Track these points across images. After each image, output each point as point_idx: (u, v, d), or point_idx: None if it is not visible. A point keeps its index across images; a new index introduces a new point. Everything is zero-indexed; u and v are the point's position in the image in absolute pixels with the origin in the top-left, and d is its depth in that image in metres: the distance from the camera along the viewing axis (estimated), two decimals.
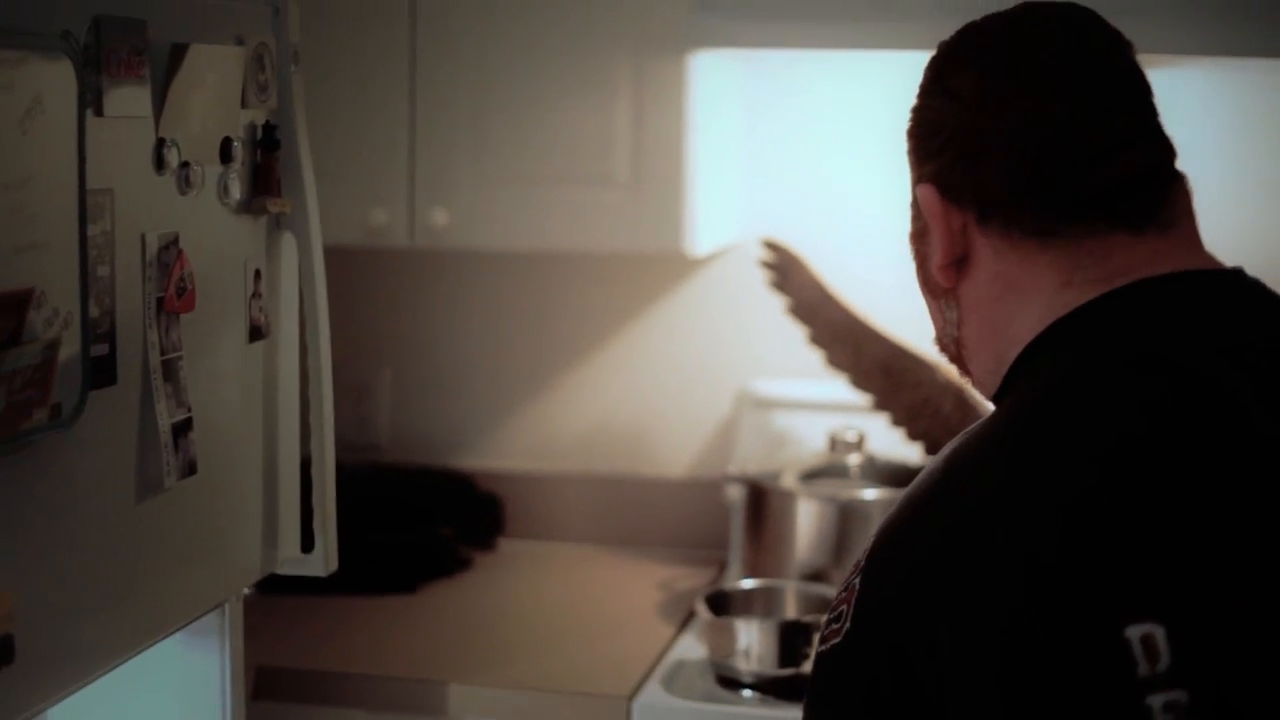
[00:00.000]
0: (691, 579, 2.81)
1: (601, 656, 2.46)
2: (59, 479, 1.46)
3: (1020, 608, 1.07)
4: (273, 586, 1.94)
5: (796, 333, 2.66)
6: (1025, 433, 1.18)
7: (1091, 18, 1.31)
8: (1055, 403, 1.19)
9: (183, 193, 1.65)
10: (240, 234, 1.78)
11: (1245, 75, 2.67)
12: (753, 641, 2.29)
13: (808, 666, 2.24)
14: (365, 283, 3.04)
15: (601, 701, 2.30)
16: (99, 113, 1.48)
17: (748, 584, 2.53)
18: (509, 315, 3.04)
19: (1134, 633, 1.03)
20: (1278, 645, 1.05)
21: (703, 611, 2.37)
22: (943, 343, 1.39)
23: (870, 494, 2.58)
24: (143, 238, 1.57)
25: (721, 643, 2.33)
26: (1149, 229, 1.26)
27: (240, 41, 1.74)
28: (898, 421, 2.58)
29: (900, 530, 1.22)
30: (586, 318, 3.01)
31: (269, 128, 1.80)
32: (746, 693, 2.30)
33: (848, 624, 1.22)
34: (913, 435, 2.57)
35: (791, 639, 2.28)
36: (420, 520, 2.88)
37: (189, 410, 1.65)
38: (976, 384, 1.38)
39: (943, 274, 1.32)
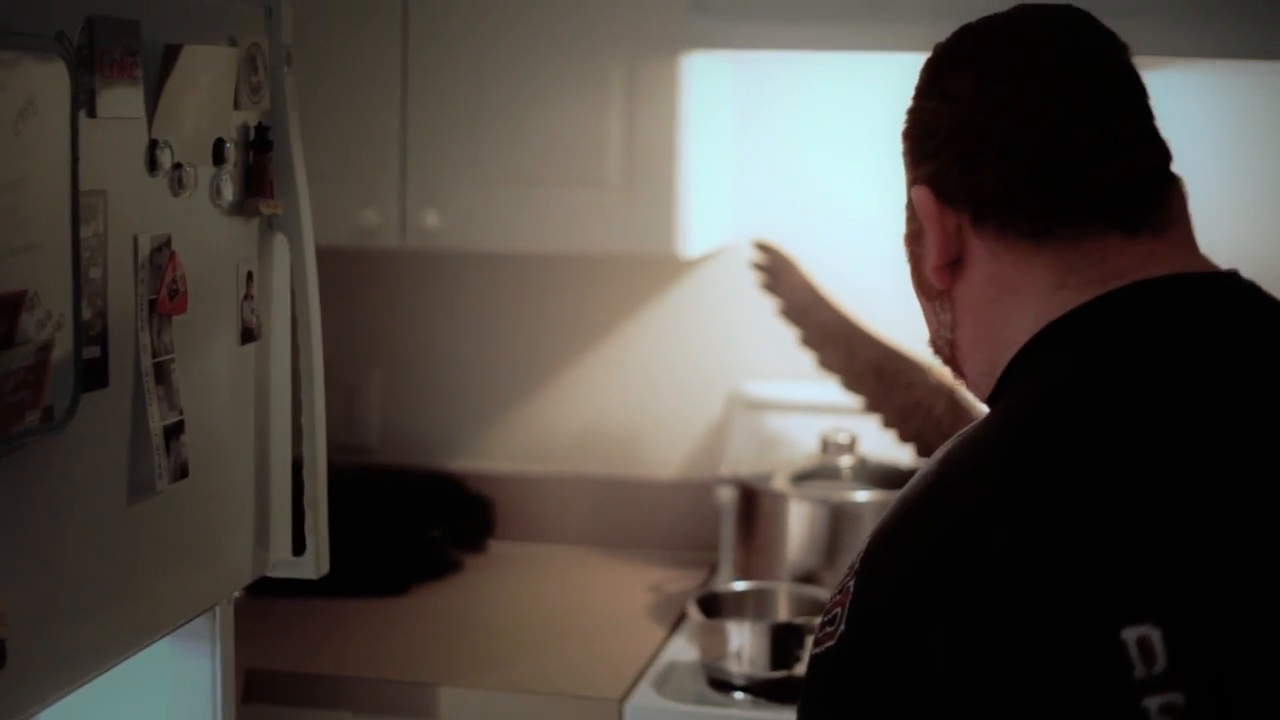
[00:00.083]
0: (682, 581, 2.81)
1: (593, 658, 2.46)
2: (51, 482, 1.46)
3: (1016, 609, 1.07)
4: (261, 588, 1.93)
5: (788, 334, 2.66)
6: (1020, 435, 1.18)
7: (1087, 20, 1.31)
8: (1051, 405, 1.19)
9: (175, 194, 1.64)
10: (232, 235, 1.77)
11: (1240, 78, 2.67)
12: (744, 644, 2.29)
13: (800, 669, 2.25)
14: (356, 284, 3.03)
15: (593, 704, 2.30)
16: (92, 114, 1.48)
17: (739, 586, 2.53)
18: (500, 317, 3.04)
19: (1130, 635, 1.03)
20: (1274, 647, 1.06)
21: (694, 613, 2.37)
22: (937, 345, 1.39)
23: (862, 496, 2.58)
24: (135, 239, 1.57)
25: (713, 645, 2.33)
26: (1144, 231, 1.26)
27: (233, 42, 1.73)
28: (889, 423, 2.58)
29: (894, 533, 1.22)
30: (578, 319, 3.01)
31: (261, 129, 1.79)
32: (738, 695, 2.30)
33: (842, 626, 1.22)
34: (904, 437, 2.57)
35: (783, 641, 2.28)
36: (410, 522, 2.87)
37: (181, 413, 1.64)
38: (970, 386, 1.38)
39: (937, 276, 1.32)
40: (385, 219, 2.65)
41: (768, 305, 2.68)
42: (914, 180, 1.33)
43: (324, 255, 1.91)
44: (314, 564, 1.90)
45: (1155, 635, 1.03)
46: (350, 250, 2.76)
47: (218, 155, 1.71)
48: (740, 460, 2.80)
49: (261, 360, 1.85)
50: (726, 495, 2.75)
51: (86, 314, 1.48)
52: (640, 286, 2.97)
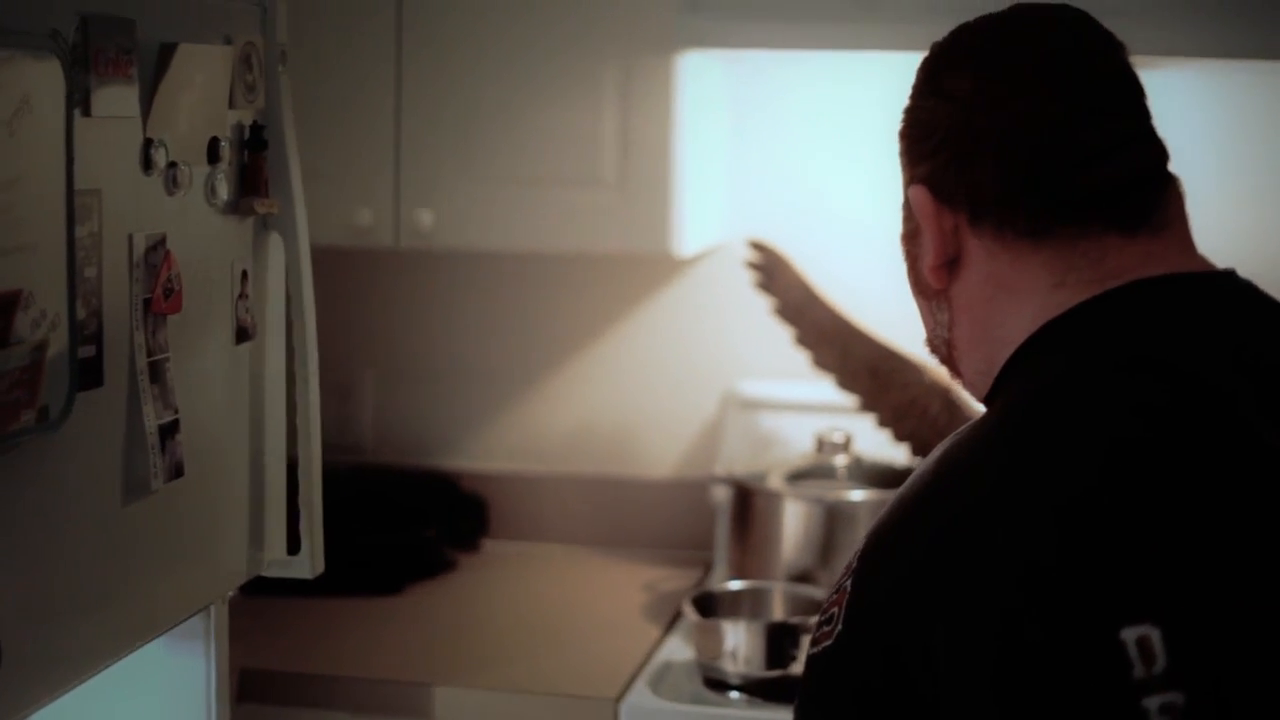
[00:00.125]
0: (677, 580, 2.80)
1: (588, 658, 2.46)
2: (46, 481, 1.45)
3: (1015, 609, 1.07)
4: (255, 588, 1.93)
5: (783, 333, 2.66)
6: (1019, 434, 1.18)
7: (1085, 19, 1.31)
8: (1049, 404, 1.19)
9: (170, 193, 1.64)
10: (227, 234, 1.77)
11: (1238, 77, 2.67)
12: (740, 643, 2.29)
13: (795, 668, 2.25)
14: (350, 283, 3.03)
15: (588, 703, 2.30)
16: (87, 113, 1.47)
17: (735, 585, 2.53)
18: (494, 316, 3.04)
19: (1129, 635, 1.03)
20: (1274, 647, 1.06)
21: (690, 613, 2.36)
22: (933, 344, 1.39)
23: (857, 495, 2.58)
24: (130, 238, 1.56)
25: (709, 644, 2.33)
26: (1142, 231, 1.26)
27: (228, 41, 1.73)
28: (884, 422, 2.58)
29: (892, 532, 1.22)
30: (572, 318, 3.01)
31: (256, 128, 1.78)
32: (734, 694, 2.30)
33: (839, 626, 1.22)
34: (899, 436, 2.57)
35: (779, 640, 2.28)
36: (405, 521, 2.87)
37: (176, 412, 1.64)
38: (967, 385, 1.38)
39: (934, 275, 1.32)
40: (379, 218, 2.65)
41: (762, 304, 2.67)
42: (911, 180, 1.33)
43: (318, 254, 1.90)
44: (309, 563, 1.90)
45: (1155, 635, 1.03)
46: (344, 250, 2.76)
47: (212, 154, 1.71)
48: (735, 459, 2.80)
49: (256, 360, 1.85)
50: (721, 494, 2.75)
51: (81, 313, 1.47)
52: (635, 286, 2.97)
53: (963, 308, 1.32)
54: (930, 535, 1.16)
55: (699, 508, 2.88)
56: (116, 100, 1.52)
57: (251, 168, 1.78)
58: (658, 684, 2.34)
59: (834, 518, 2.56)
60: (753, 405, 2.88)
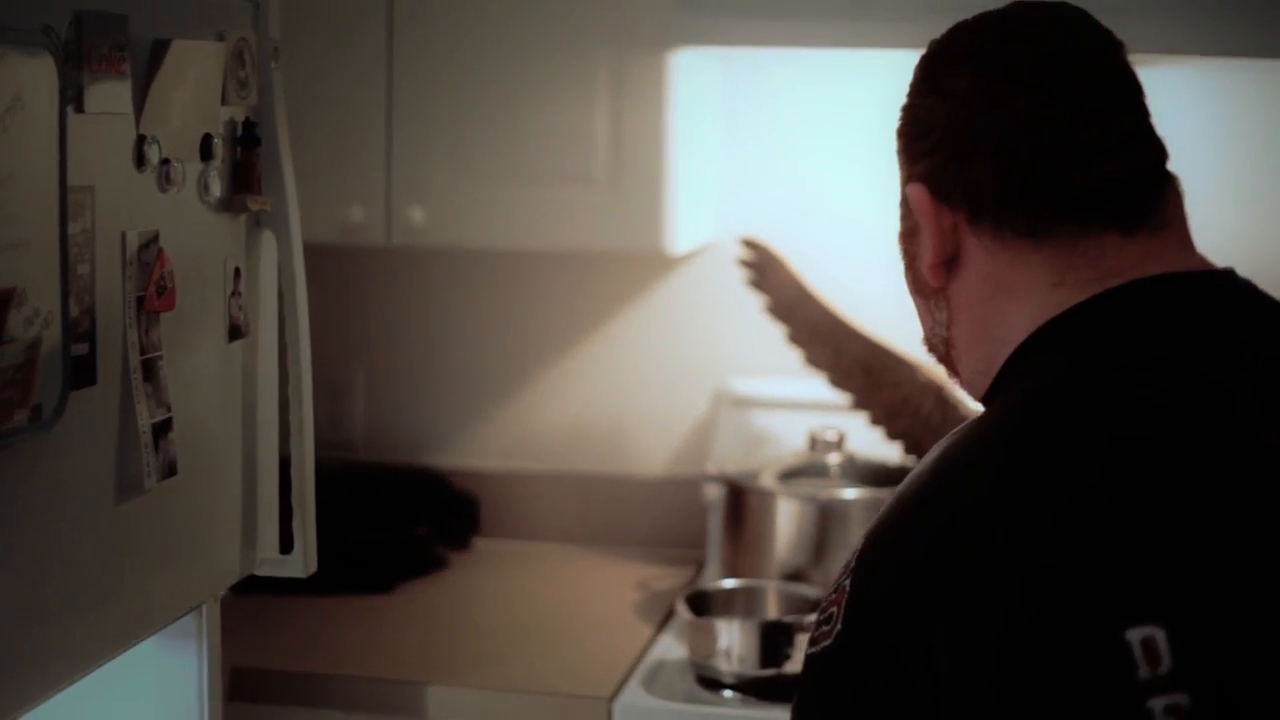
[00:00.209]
0: (669, 578, 2.80)
1: (581, 657, 2.45)
2: (39, 480, 1.45)
3: (1017, 609, 1.07)
4: (247, 586, 1.92)
5: (775, 331, 2.65)
6: (1018, 433, 1.18)
7: (1083, 17, 1.31)
8: (1049, 403, 1.18)
9: (163, 190, 1.63)
10: (220, 232, 1.76)
11: (1237, 75, 2.67)
12: (734, 642, 2.28)
13: (789, 667, 2.25)
14: (341, 280, 3.02)
15: (582, 703, 2.29)
16: (80, 109, 1.46)
17: (728, 584, 2.53)
18: (486, 313, 3.03)
19: (1134, 635, 1.03)
20: (1278, 647, 1.05)
21: (683, 611, 2.36)
22: (931, 343, 1.39)
23: (850, 493, 2.57)
24: (123, 236, 1.56)
25: (702, 643, 2.33)
26: (1141, 230, 1.26)
27: (221, 38, 1.72)
28: (877, 420, 2.57)
29: (890, 531, 1.22)
30: (564, 316, 3.00)
31: (249, 125, 1.78)
32: (727, 693, 2.29)
33: (838, 625, 1.21)
34: (892, 434, 2.57)
35: (773, 639, 2.27)
36: (396, 520, 2.86)
37: (169, 410, 1.63)
38: (965, 385, 1.37)
39: (933, 274, 1.32)
40: (370, 216, 2.64)
41: (755, 302, 2.67)
42: (909, 178, 1.32)
43: (309, 252, 1.89)
44: (302, 562, 1.89)
45: (1160, 636, 1.03)
46: (335, 247, 2.75)
47: (205, 151, 1.70)
48: (727, 457, 2.80)
49: (249, 357, 1.84)
50: (714, 492, 2.75)
51: (74, 311, 1.46)
52: (627, 283, 2.96)
53: (961, 307, 1.32)
54: (930, 535, 1.15)
55: (691, 506, 2.88)
56: (109, 97, 1.52)
57: (244, 164, 1.78)
58: (651, 683, 2.34)
59: (827, 516, 2.56)
60: (745, 403, 2.87)
